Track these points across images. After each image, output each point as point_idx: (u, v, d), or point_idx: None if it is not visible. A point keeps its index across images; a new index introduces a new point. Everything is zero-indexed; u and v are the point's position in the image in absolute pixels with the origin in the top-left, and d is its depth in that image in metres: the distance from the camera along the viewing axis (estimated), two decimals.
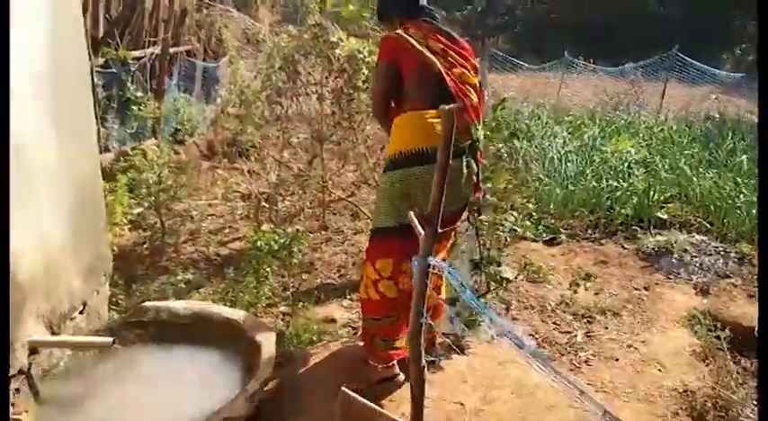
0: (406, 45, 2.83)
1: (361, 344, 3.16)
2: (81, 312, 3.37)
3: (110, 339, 2.97)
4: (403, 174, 2.79)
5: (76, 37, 3.35)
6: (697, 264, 5.11)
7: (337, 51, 4.55)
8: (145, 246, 5.22)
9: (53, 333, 3.06)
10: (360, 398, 2.00)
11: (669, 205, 6.17)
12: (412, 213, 1.68)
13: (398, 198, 2.82)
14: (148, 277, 4.73)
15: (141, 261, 5.03)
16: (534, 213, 4.01)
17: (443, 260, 2.92)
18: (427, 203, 2.56)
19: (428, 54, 2.84)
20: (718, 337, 3.79)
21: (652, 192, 6.14)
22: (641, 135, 8.57)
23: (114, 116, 7.45)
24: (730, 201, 5.89)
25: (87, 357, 3.09)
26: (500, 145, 3.22)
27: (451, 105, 1.46)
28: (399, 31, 2.89)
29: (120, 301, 4.20)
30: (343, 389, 1.97)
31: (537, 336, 3.87)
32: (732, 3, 22.54)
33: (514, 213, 3.43)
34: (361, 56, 4.54)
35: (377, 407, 2.03)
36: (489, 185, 3.25)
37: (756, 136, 7.66)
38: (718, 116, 10.31)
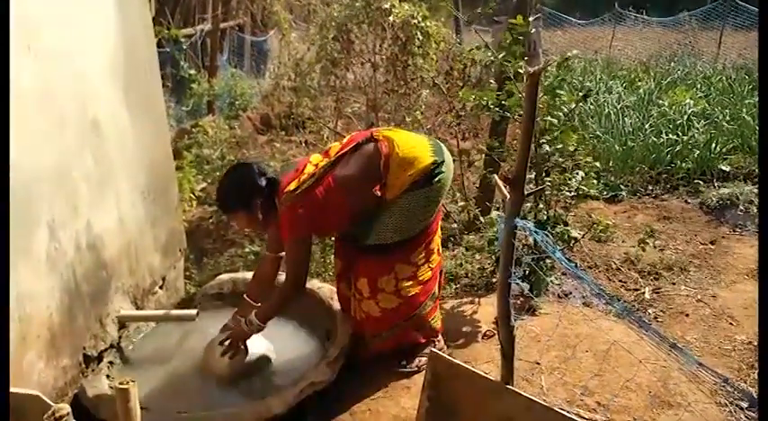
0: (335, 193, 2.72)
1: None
2: (161, 287, 3.54)
3: (194, 311, 3.12)
4: (433, 186, 2.79)
5: (144, 21, 3.44)
6: None
7: (390, 18, 4.54)
8: (211, 220, 5.37)
9: (138, 307, 3.24)
10: (448, 357, 2.08)
11: (732, 157, 6.00)
12: (497, 176, 1.71)
13: (421, 211, 2.82)
14: (217, 250, 4.89)
15: (208, 235, 5.19)
16: (597, 172, 3.97)
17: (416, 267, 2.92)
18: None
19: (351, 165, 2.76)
20: None
21: (713, 145, 5.99)
22: (699, 86, 8.30)
23: (170, 95, 7.60)
24: None
25: (173, 328, 3.25)
26: (572, 105, 3.19)
27: (536, 67, 1.48)
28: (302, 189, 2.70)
29: (192, 275, 4.36)
30: (432, 348, 2.04)
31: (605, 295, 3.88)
32: None
33: (581, 172, 3.41)
34: (415, 21, 4.51)
35: (464, 365, 2.09)
36: (558, 146, 3.23)
37: None
38: None
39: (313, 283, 3.36)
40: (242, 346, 2.86)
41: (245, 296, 3.05)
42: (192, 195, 5.49)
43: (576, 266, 4.06)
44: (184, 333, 3.18)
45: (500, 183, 1.67)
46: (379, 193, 2.72)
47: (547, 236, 1.63)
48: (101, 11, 2.97)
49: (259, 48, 10.62)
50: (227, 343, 2.85)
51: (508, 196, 1.66)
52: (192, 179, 5.47)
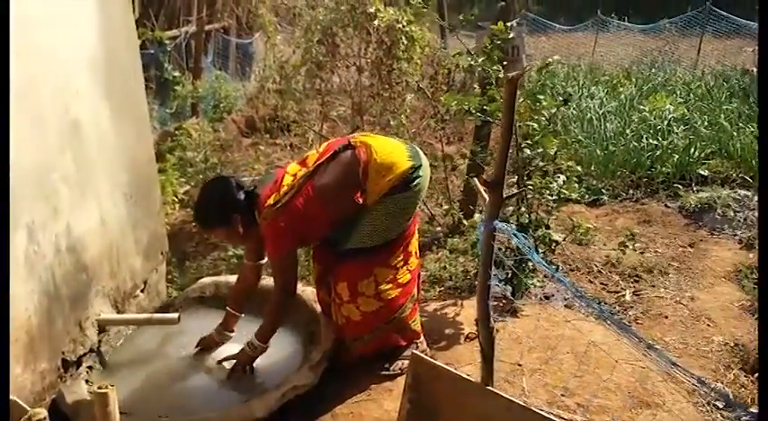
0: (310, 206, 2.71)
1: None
2: (142, 290, 3.51)
3: (175, 315, 3.09)
4: (411, 190, 2.80)
5: (126, 22, 3.43)
6: (741, 219, 5.06)
7: (375, 22, 4.56)
8: (194, 223, 5.34)
9: (118, 311, 3.20)
10: (429, 359, 2.09)
11: (710, 161, 6.08)
12: (476, 179, 1.73)
13: (400, 215, 2.83)
14: (199, 254, 4.86)
15: (191, 238, 5.16)
16: (579, 175, 4.01)
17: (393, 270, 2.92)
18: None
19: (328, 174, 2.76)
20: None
21: (692, 149, 6.07)
22: (679, 92, 8.40)
23: (153, 97, 7.56)
24: None
25: (154, 331, 3.22)
26: (553, 110, 3.22)
27: (515, 72, 1.50)
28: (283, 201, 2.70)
29: (174, 278, 4.33)
30: (413, 350, 2.05)
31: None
32: None
33: (562, 176, 3.45)
34: (400, 26, 4.54)
35: (445, 366, 2.11)
36: (539, 150, 3.26)
37: None
38: (755, 69, 10.03)
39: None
40: (248, 370, 2.89)
41: (227, 307, 3.06)
42: (174, 198, 5.46)
43: (557, 269, 4.10)
44: (165, 337, 3.16)
45: (479, 186, 1.69)
46: (360, 201, 2.74)
47: (526, 238, 1.65)
48: (82, 11, 2.95)
49: (244, 50, 10.60)
50: (229, 364, 2.89)
51: (487, 199, 1.69)
52: (175, 182, 5.44)
